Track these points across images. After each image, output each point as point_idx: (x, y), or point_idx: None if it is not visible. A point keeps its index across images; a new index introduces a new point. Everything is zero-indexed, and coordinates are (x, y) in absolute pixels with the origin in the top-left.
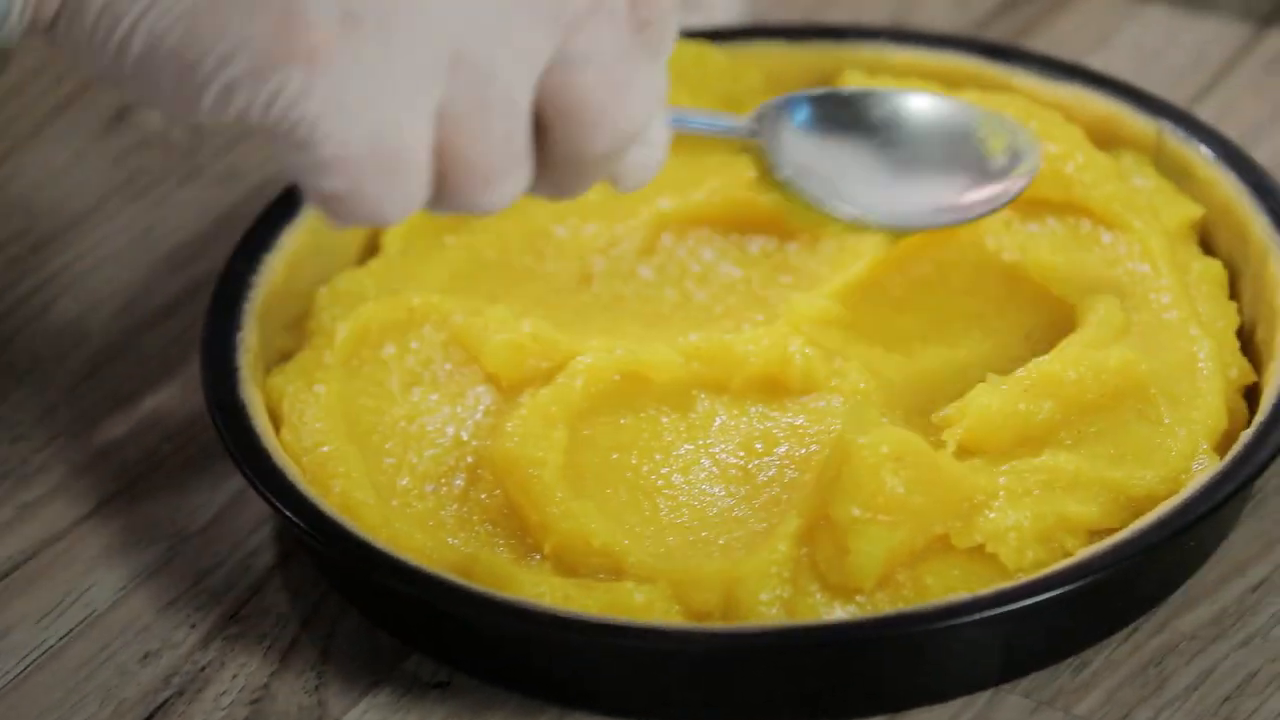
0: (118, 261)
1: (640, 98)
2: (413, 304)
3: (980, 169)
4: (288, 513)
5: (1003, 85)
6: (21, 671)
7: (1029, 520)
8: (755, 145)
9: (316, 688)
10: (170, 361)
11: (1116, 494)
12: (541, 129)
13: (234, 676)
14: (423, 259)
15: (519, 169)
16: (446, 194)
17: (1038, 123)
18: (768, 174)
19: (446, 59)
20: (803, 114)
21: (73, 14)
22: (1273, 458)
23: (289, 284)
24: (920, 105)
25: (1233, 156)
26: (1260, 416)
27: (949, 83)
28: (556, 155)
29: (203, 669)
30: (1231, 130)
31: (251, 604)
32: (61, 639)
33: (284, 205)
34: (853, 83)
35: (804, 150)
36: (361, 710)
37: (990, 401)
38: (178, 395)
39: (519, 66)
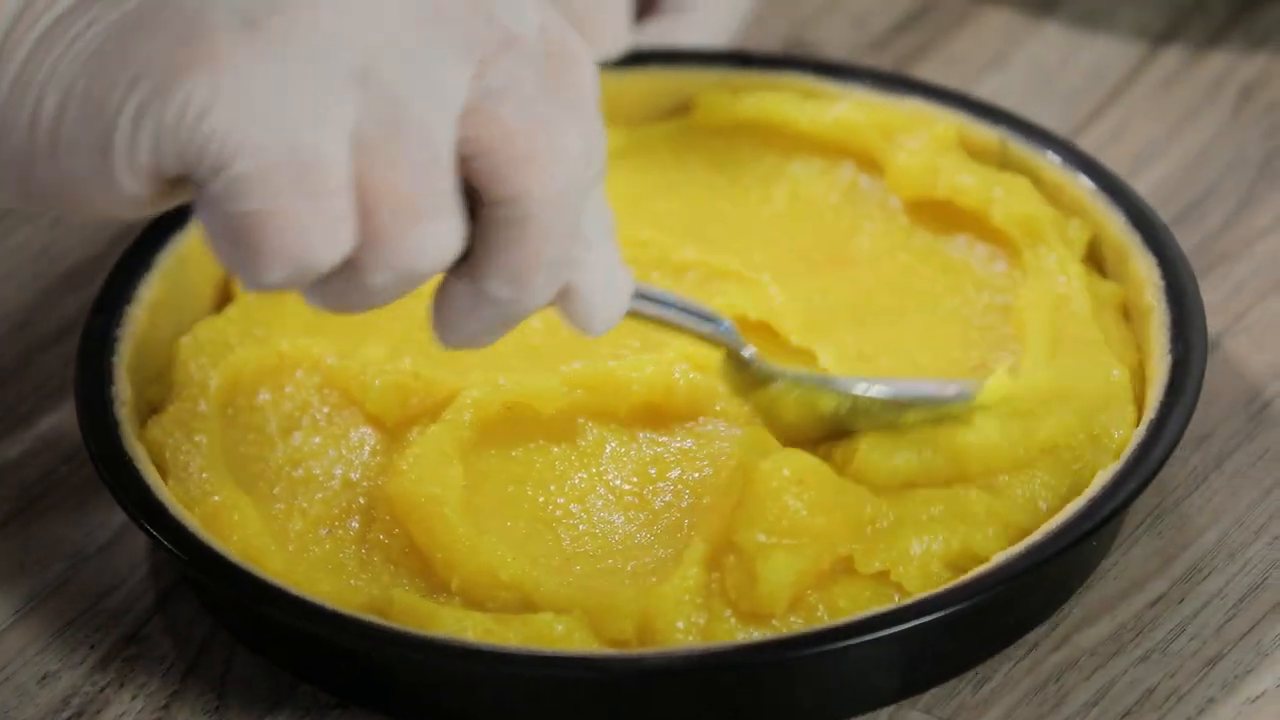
0: (13, 281)
1: (567, 141)
2: (282, 349)
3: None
4: (202, 571)
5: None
6: None
7: (936, 546)
8: (732, 348)
9: (217, 708)
10: (67, 382)
11: (1024, 529)
12: (472, 192)
13: (133, 698)
14: (279, 302)
15: (446, 212)
16: (373, 233)
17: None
18: (745, 378)
19: (354, 75)
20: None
21: None
22: (1150, 480)
23: (151, 335)
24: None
25: (1072, 155)
26: (1142, 429)
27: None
28: (495, 220)
29: (102, 690)
30: (1127, 148)
31: (151, 624)
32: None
33: (137, 254)
34: (709, 104)
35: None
36: None
37: (878, 458)
38: (74, 416)
39: (433, 95)
